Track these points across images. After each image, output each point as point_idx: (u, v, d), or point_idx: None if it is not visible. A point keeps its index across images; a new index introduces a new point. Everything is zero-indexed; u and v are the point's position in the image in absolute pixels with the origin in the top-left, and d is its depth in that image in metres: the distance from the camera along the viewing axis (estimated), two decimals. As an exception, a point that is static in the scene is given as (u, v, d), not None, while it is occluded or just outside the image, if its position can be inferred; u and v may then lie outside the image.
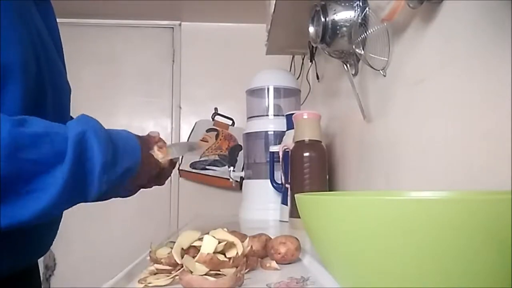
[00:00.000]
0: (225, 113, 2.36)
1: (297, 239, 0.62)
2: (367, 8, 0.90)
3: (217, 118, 2.36)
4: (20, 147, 0.43)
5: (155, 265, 0.55)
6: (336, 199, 0.36)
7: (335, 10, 0.93)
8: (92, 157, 0.49)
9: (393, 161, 0.85)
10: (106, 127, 0.55)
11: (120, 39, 2.49)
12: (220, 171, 2.20)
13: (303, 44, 1.55)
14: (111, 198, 0.61)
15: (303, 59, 1.77)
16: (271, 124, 1.47)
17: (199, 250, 0.52)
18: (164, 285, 0.50)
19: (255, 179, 1.45)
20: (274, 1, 1.33)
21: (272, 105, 1.51)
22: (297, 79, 1.68)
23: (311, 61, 1.56)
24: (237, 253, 0.54)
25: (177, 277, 0.50)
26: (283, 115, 1.40)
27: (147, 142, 0.66)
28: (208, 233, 0.55)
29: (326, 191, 1.10)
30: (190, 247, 0.56)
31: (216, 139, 2.26)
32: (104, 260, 2.18)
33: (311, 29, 1.00)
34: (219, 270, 0.51)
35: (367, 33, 0.85)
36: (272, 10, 1.37)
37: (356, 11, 0.91)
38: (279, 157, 1.23)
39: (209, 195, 2.38)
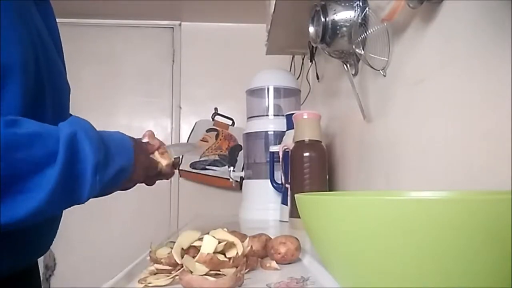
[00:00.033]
0: (225, 113, 2.36)
1: (297, 239, 0.62)
2: (367, 8, 0.90)
3: (217, 118, 2.35)
4: (13, 148, 0.44)
5: (155, 265, 0.55)
6: (336, 199, 0.36)
7: (335, 10, 0.93)
8: (84, 157, 0.50)
9: (393, 161, 0.85)
10: (106, 127, 0.55)
11: (120, 39, 2.49)
12: (220, 171, 2.20)
13: (303, 44, 1.55)
14: (108, 194, 0.62)
15: (303, 59, 1.77)
16: (271, 124, 1.47)
17: (199, 250, 0.52)
18: (164, 285, 0.50)
19: (255, 179, 1.45)
20: (274, 1, 1.33)
21: (272, 105, 1.51)
22: (297, 79, 1.68)
23: (311, 61, 1.56)
24: (237, 253, 0.54)
25: (177, 277, 0.50)
26: (283, 115, 1.40)
27: (142, 144, 0.66)
28: (208, 233, 0.55)
29: (326, 191, 1.10)
30: (190, 247, 0.56)
31: (216, 139, 2.26)
32: (104, 260, 2.18)
33: (311, 29, 1.00)
34: (219, 270, 0.51)
35: (367, 33, 0.85)
36: (272, 10, 1.37)
37: (356, 11, 0.91)
38: (279, 157, 1.23)
39: (209, 195, 2.37)
